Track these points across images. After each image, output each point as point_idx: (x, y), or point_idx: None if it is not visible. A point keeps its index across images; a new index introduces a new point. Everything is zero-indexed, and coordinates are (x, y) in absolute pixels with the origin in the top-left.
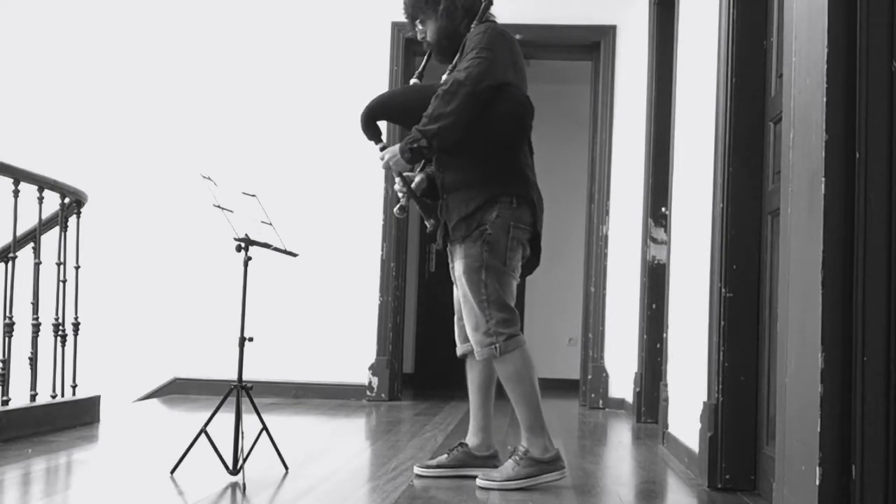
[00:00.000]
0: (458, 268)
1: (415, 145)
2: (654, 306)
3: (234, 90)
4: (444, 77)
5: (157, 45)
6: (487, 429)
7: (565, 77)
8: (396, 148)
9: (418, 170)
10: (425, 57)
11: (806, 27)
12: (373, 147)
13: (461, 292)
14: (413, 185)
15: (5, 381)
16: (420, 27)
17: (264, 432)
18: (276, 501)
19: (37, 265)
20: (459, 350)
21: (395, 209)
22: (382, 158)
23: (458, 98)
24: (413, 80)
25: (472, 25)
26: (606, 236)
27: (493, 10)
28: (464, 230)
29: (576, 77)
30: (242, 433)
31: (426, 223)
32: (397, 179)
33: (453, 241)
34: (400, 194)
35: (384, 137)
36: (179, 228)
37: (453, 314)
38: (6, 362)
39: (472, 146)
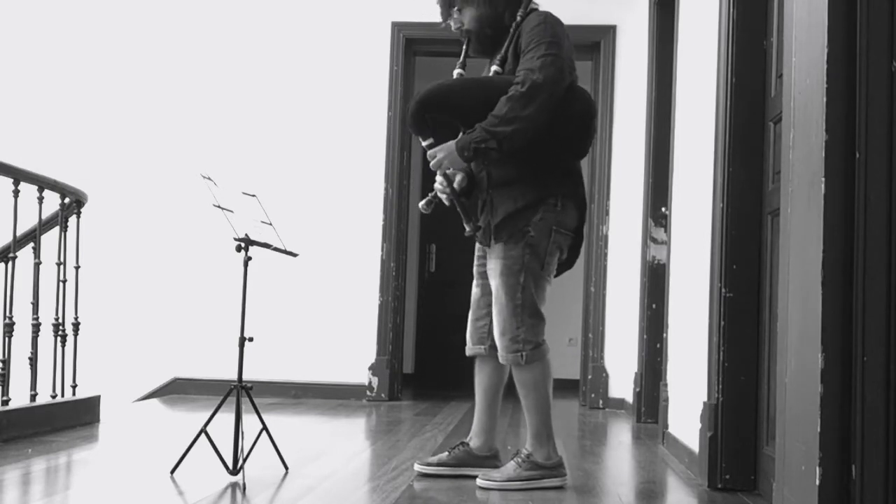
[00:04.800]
0: (494, 267)
1: (482, 146)
2: (654, 306)
3: (235, 90)
4: (493, 68)
5: (156, 45)
6: (491, 431)
7: None
8: (452, 146)
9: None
10: (464, 47)
11: (806, 27)
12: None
13: (494, 293)
14: (455, 184)
15: (5, 381)
16: (456, 15)
17: (264, 432)
18: (276, 501)
19: (37, 265)
20: (469, 350)
21: (422, 204)
22: (433, 157)
23: (536, 102)
24: (457, 72)
25: (518, 14)
26: (606, 236)
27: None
28: (510, 229)
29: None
30: (242, 433)
31: (465, 226)
32: (439, 177)
33: (496, 239)
34: (441, 195)
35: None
36: (179, 228)
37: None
38: (6, 362)
39: (534, 148)
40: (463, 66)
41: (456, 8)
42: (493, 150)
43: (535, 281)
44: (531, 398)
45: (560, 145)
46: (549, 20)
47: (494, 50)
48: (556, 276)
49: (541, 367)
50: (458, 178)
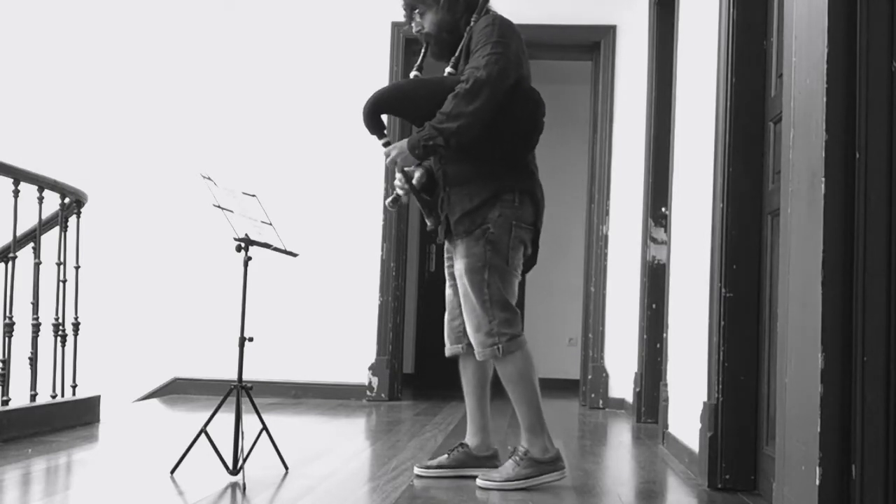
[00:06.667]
0: (459, 266)
1: (430, 143)
2: (654, 306)
3: (235, 90)
4: (447, 70)
5: (156, 45)
6: (486, 429)
7: (565, 77)
8: (404, 143)
9: (416, 164)
10: (423, 49)
11: (806, 27)
12: (376, 143)
13: (462, 292)
14: (414, 181)
15: (5, 381)
16: (418, 19)
17: (264, 432)
18: (276, 501)
19: (37, 265)
20: (449, 351)
21: (388, 201)
22: (388, 155)
23: (480, 98)
24: (413, 73)
25: (473, 19)
26: (606, 236)
27: (493, 8)
28: (467, 225)
29: (576, 77)
30: (242, 433)
31: (426, 221)
32: (398, 174)
33: (456, 235)
34: (400, 191)
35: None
36: (179, 228)
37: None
38: (6, 362)
39: (486, 145)
40: (420, 69)
41: (417, 11)
42: (441, 146)
43: (500, 276)
44: (518, 391)
45: (511, 142)
46: (498, 22)
47: (452, 53)
48: (523, 273)
49: (521, 356)
50: (417, 174)
